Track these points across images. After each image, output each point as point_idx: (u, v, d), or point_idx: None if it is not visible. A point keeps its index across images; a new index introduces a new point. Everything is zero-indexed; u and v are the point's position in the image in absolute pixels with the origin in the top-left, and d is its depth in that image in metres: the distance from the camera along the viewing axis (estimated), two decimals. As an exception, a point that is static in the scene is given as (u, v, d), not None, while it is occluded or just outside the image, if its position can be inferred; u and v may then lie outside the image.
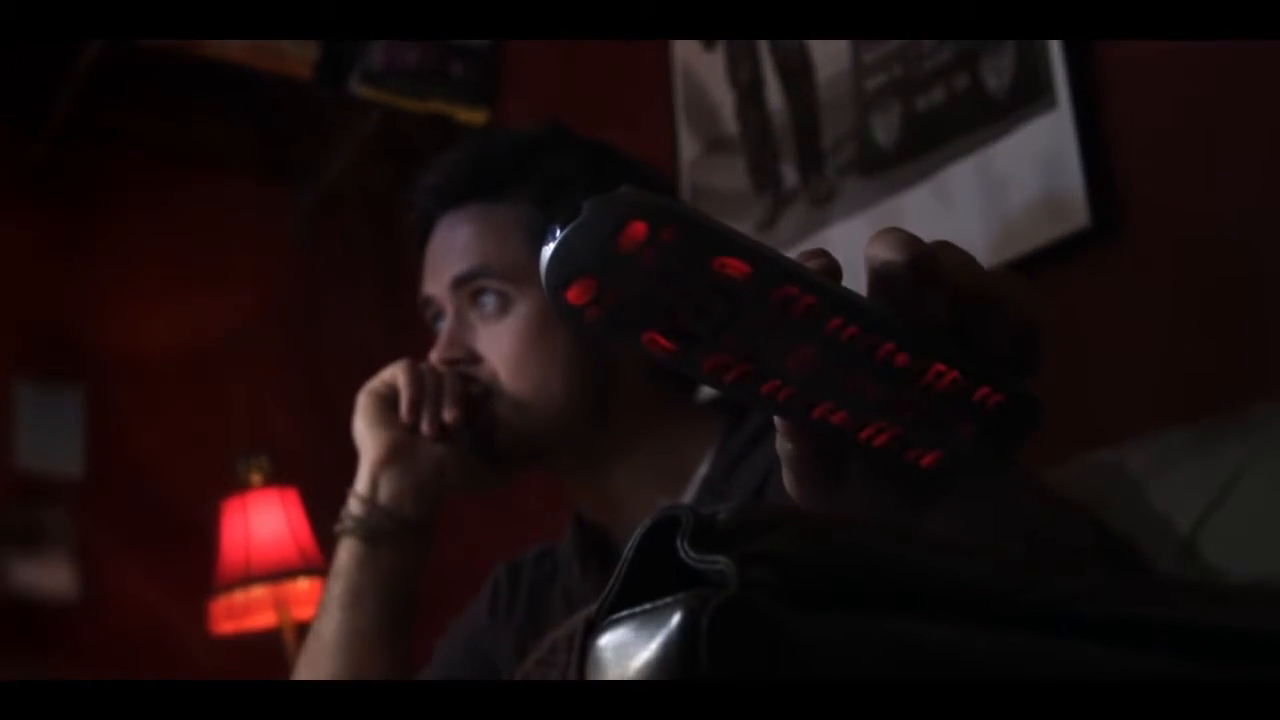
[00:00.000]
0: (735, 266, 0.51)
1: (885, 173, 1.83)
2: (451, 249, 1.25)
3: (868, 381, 0.55)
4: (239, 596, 2.30)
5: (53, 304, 2.63)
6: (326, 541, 1.62)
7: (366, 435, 1.22)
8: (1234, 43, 1.43)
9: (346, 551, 1.21)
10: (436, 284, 1.26)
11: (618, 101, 2.27)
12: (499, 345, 1.22)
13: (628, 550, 0.50)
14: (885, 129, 1.84)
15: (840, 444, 0.58)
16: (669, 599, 0.47)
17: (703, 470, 1.22)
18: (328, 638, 1.20)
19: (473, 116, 2.62)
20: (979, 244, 1.65)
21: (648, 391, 1.24)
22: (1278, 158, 1.45)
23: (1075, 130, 1.60)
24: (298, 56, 2.54)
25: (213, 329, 2.73)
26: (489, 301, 1.23)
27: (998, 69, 1.70)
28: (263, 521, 2.33)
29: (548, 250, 0.49)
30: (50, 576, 2.48)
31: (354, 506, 1.21)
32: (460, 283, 1.24)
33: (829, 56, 1.93)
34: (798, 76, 1.98)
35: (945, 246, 0.56)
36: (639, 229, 0.49)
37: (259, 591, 2.29)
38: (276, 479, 2.38)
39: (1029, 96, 1.66)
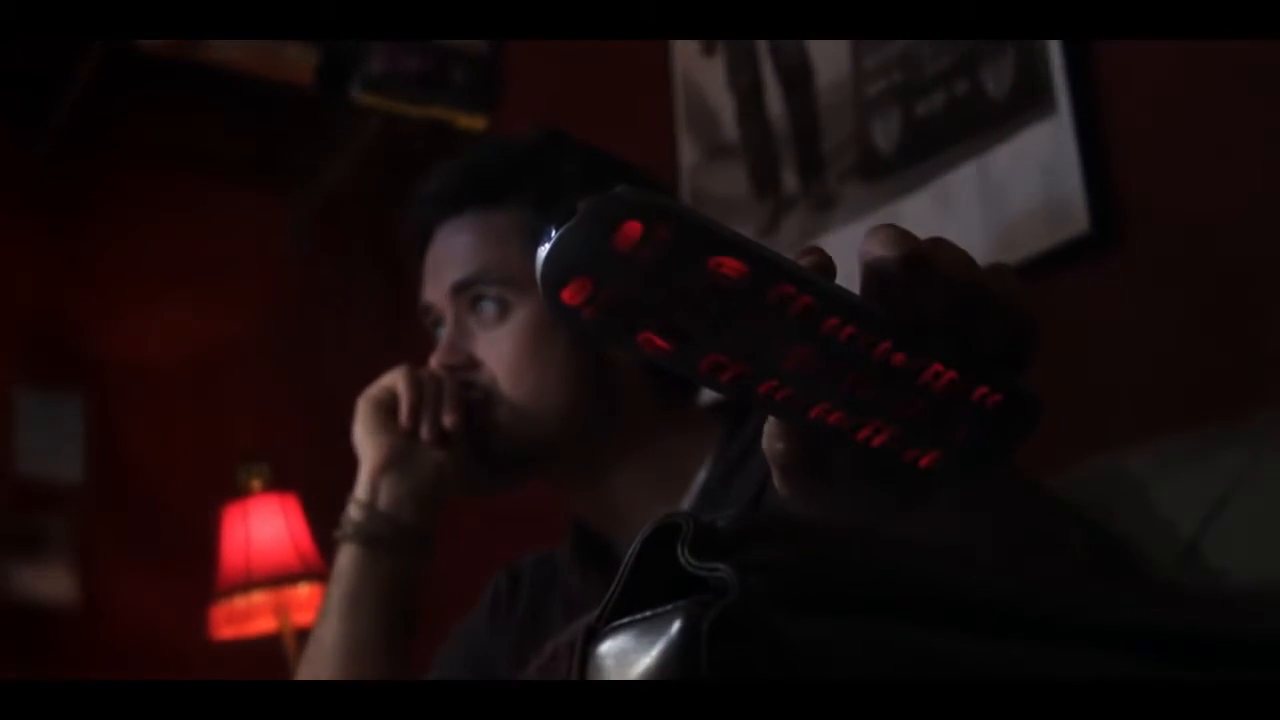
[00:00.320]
0: (731, 266, 0.50)
1: (885, 178, 1.83)
2: (451, 256, 1.25)
3: (865, 381, 0.54)
4: (240, 602, 2.30)
5: (53, 310, 2.63)
6: (327, 547, 1.62)
7: (366, 441, 1.23)
8: (1234, 50, 1.43)
9: (346, 557, 1.21)
10: (436, 290, 1.26)
11: (618, 108, 2.27)
12: (498, 351, 1.22)
13: (628, 557, 0.50)
14: (885, 134, 1.84)
15: (832, 443, 0.57)
16: (669, 606, 0.47)
17: (701, 476, 1.22)
18: (328, 643, 1.20)
19: (473, 123, 2.63)
20: (979, 249, 1.63)
21: (646, 397, 1.24)
22: (1277, 163, 1.45)
23: (1075, 136, 1.60)
24: (298, 62, 2.54)
25: (213, 335, 2.73)
26: (488, 308, 1.23)
27: (997, 74, 1.70)
28: (263, 527, 2.33)
29: (543, 250, 0.49)
30: (51, 583, 2.48)
31: (354, 512, 1.21)
32: (460, 289, 1.24)
33: (829, 62, 1.93)
34: (798, 82, 1.98)
35: (939, 243, 0.56)
36: (634, 228, 0.49)
37: (260, 597, 2.29)
38: (277, 485, 2.38)
39: (1029, 102, 1.66)
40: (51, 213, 2.65)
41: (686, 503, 1.21)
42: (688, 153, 2.13)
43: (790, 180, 1.97)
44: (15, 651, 2.35)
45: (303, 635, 1.60)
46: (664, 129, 2.16)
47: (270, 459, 2.41)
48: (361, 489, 1.22)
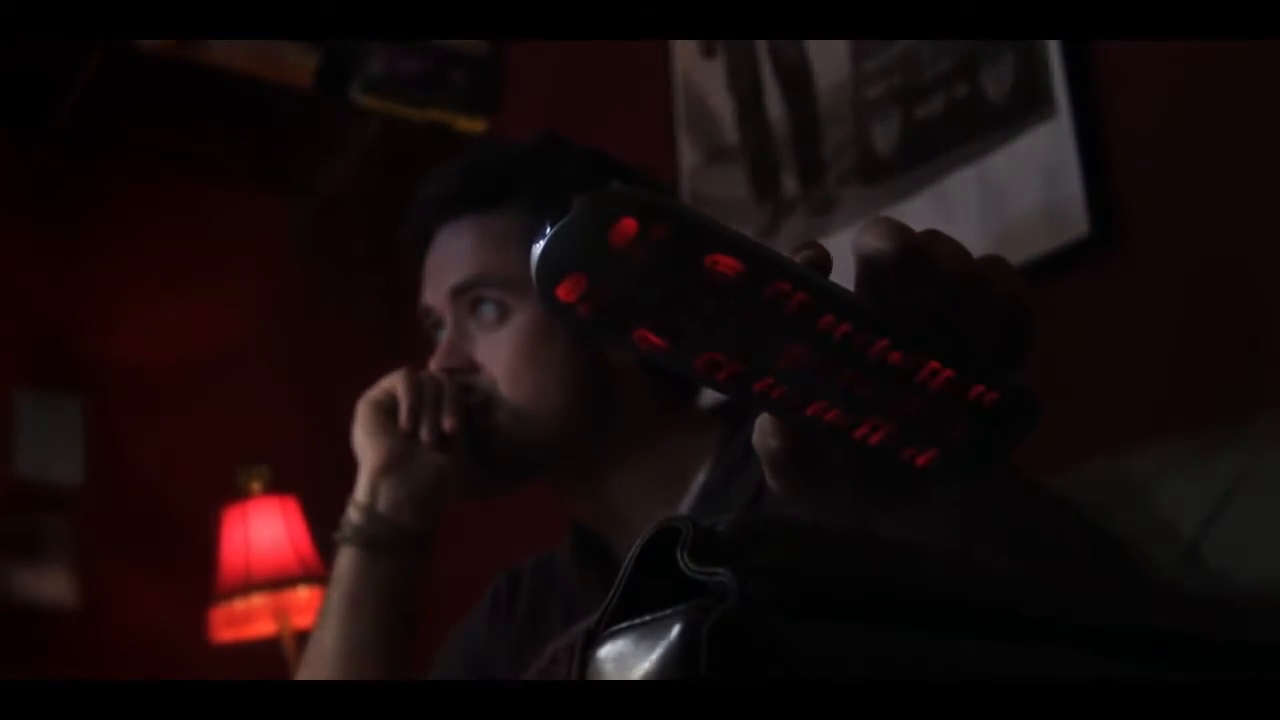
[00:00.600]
0: (727, 263, 0.50)
1: (885, 181, 1.83)
2: (450, 259, 1.25)
3: (861, 379, 0.54)
4: (239, 605, 2.30)
5: (53, 312, 2.63)
6: (326, 550, 1.62)
7: (366, 444, 1.23)
8: (1234, 52, 1.43)
9: (346, 560, 1.21)
10: (435, 293, 1.26)
11: (618, 109, 2.27)
12: (498, 354, 1.22)
13: (628, 561, 0.50)
14: (885, 138, 1.84)
15: (829, 442, 0.57)
16: (669, 610, 0.47)
17: (701, 478, 1.22)
18: (327, 646, 1.20)
19: (472, 125, 2.63)
20: (979, 252, 1.64)
21: (646, 399, 1.24)
22: (1277, 164, 1.45)
23: (1075, 139, 1.60)
24: (298, 64, 2.54)
25: (212, 336, 2.73)
26: (488, 311, 1.23)
27: (997, 77, 1.70)
28: (263, 530, 2.33)
29: (538, 247, 0.49)
30: (50, 585, 2.48)
31: (353, 515, 1.21)
32: (459, 292, 1.24)
33: (829, 64, 1.93)
34: (798, 85, 1.98)
35: (934, 235, 0.56)
36: (629, 225, 0.49)
37: (259, 600, 2.29)
38: (276, 487, 2.38)
39: (1029, 105, 1.66)
40: (51, 213, 2.65)
41: (686, 505, 1.21)
42: (687, 155, 2.13)
43: (790, 183, 1.97)
44: (15, 652, 2.34)
45: (302, 638, 1.60)
46: (664, 131, 2.15)
47: (270, 461, 2.41)
48: (361, 491, 1.22)
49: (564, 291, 0.50)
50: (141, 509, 2.59)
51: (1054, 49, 1.63)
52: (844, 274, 0.56)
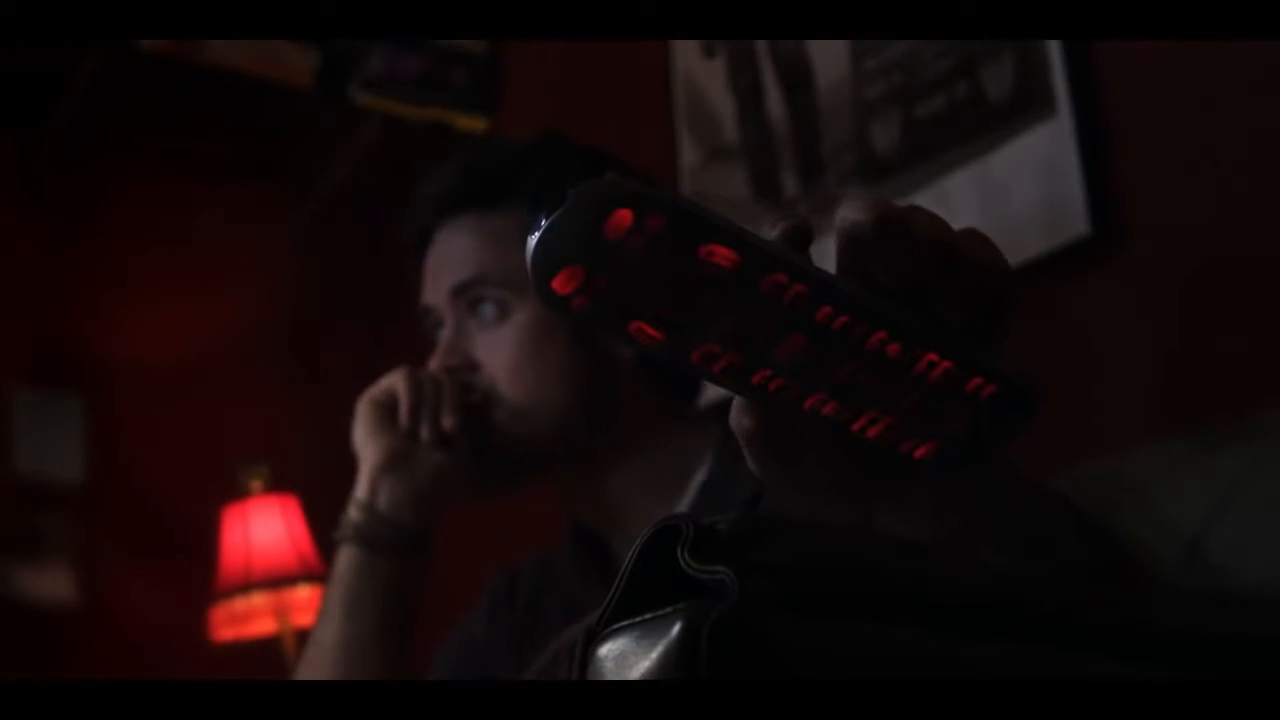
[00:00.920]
0: (723, 254, 0.50)
1: (885, 180, 1.83)
2: (450, 258, 1.25)
3: (859, 371, 0.54)
4: (239, 603, 2.30)
5: (53, 311, 2.63)
6: (326, 549, 1.62)
7: (366, 443, 1.23)
8: (1234, 51, 1.43)
9: (346, 559, 1.21)
10: (435, 293, 1.26)
11: (618, 109, 2.27)
12: (497, 353, 1.22)
13: (628, 560, 0.50)
14: (885, 137, 1.84)
15: (804, 423, 0.57)
16: (669, 609, 0.47)
17: (700, 477, 1.22)
18: (327, 645, 1.20)
19: (472, 125, 2.63)
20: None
21: (645, 398, 1.24)
22: (1277, 164, 1.45)
23: (1075, 138, 1.60)
24: (298, 64, 2.54)
25: (213, 335, 2.73)
26: (487, 310, 1.23)
27: (997, 77, 1.70)
28: (263, 528, 2.33)
29: (533, 239, 0.49)
30: (50, 584, 2.48)
31: (353, 514, 1.21)
32: (459, 291, 1.24)
33: (829, 64, 1.93)
34: (798, 84, 1.98)
35: (914, 208, 0.56)
36: (625, 216, 0.49)
37: (259, 598, 2.29)
38: (276, 486, 2.38)
39: (1029, 104, 1.66)
40: (51, 213, 2.65)
41: (685, 503, 1.21)
42: (688, 154, 2.13)
43: (790, 182, 1.97)
44: (15, 651, 2.35)
45: (302, 637, 1.60)
46: (664, 130, 2.16)
47: (270, 460, 2.41)
48: (361, 490, 1.22)
49: (560, 284, 0.50)
50: (141, 508, 2.59)
51: (1054, 49, 1.63)
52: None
